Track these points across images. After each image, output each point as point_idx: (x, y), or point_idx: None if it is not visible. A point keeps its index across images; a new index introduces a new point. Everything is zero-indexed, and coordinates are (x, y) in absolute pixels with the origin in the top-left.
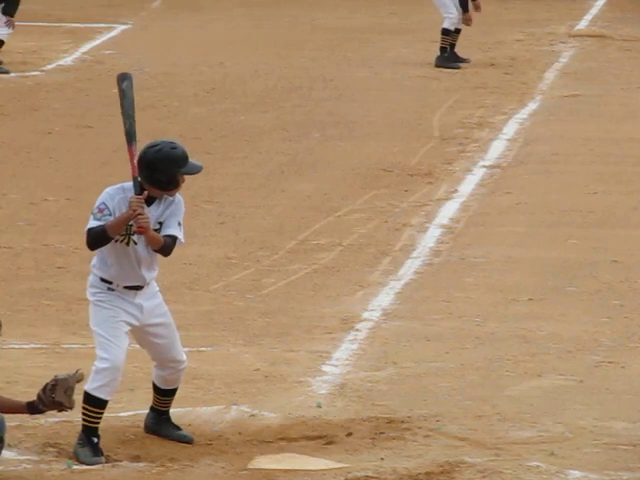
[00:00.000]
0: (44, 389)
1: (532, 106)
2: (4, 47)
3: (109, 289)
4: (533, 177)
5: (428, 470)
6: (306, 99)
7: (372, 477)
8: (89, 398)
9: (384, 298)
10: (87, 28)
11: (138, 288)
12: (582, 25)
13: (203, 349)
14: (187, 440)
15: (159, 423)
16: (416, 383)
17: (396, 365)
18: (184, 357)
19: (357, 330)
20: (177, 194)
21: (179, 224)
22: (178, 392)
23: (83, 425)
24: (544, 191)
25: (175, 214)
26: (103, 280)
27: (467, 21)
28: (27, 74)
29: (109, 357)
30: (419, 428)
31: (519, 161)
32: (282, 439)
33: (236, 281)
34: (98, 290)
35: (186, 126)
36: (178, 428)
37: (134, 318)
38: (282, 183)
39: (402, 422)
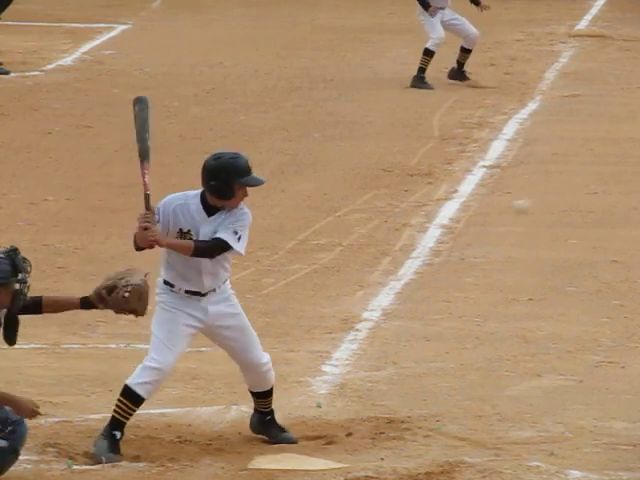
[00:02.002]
0: (111, 290)
1: (532, 106)
2: (4, 47)
3: (172, 291)
4: (533, 177)
5: (428, 470)
6: (306, 99)
7: (372, 477)
8: (127, 392)
9: (384, 298)
10: (87, 28)
11: (199, 294)
12: (582, 25)
13: (203, 349)
14: (291, 442)
15: (262, 424)
16: (416, 383)
17: (396, 365)
18: (264, 359)
19: (357, 330)
20: (246, 208)
21: (234, 232)
22: (178, 392)
23: (112, 416)
24: (544, 191)
25: (231, 222)
26: (166, 282)
27: (484, 8)
28: (27, 74)
29: (158, 359)
30: (419, 428)
31: (519, 161)
32: None
33: (236, 281)
34: (161, 291)
35: (186, 126)
36: (282, 430)
37: (198, 320)
38: (282, 183)
39: (402, 422)
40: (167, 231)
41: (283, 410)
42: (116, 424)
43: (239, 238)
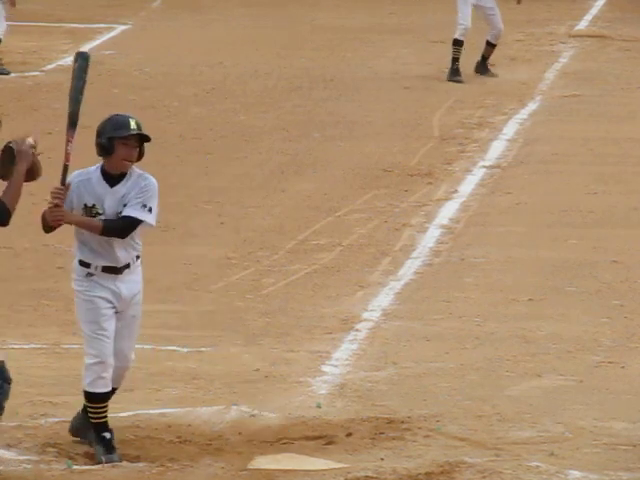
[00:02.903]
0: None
1: (532, 106)
2: (4, 47)
3: (88, 274)
4: (533, 177)
5: (428, 470)
6: (306, 99)
7: (372, 477)
8: (88, 396)
9: (384, 298)
10: (87, 28)
11: (115, 270)
12: (582, 25)
13: (203, 349)
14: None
15: (85, 425)
16: (416, 383)
17: (396, 365)
18: (133, 356)
19: (357, 330)
20: (151, 178)
21: (144, 206)
22: (178, 392)
23: (91, 423)
24: (544, 191)
25: (140, 196)
26: (82, 263)
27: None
28: (27, 74)
29: (95, 353)
30: (419, 428)
31: (519, 161)
32: (282, 439)
33: (236, 281)
34: (78, 277)
35: (186, 126)
36: None
37: (112, 306)
38: (282, 183)
39: (402, 422)
40: (72, 208)
41: (283, 410)
42: (99, 427)
43: (149, 210)
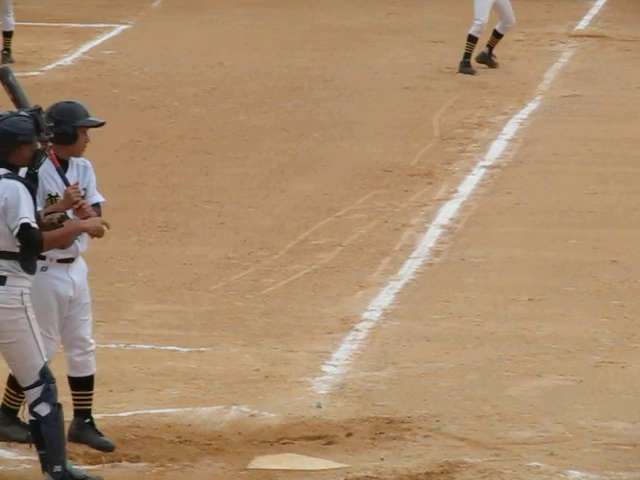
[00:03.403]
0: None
1: (532, 106)
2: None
3: (42, 269)
4: (533, 177)
5: (428, 470)
6: (306, 99)
7: (372, 477)
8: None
9: (384, 298)
10: (87, 28)
11: (68, 260)
12: (582, 25)
13: (203, 349)
14: (109, 447)
15: (81, 428)
16: (416, 383)
17: (396, 365)
18: (92, 340)
19: (357, 330)
20: (87, 160)
21: (97, 189)
22: (178, 392)
23: (3, 405)
24: (544, 191)
25: (92, 180)
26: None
27: None
28: (27, 74)
29: (45, 353)
30: (419, 428)
31: (519, 161)
32: (282, 439)
33: (236, 281)
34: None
35: (186, 126)
36: (100, 434)
37: (67, 296)
38: (282, 183)
39: (402, 422)
40: (39, 199)
41: (283, 410)
42: (9, 410)
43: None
